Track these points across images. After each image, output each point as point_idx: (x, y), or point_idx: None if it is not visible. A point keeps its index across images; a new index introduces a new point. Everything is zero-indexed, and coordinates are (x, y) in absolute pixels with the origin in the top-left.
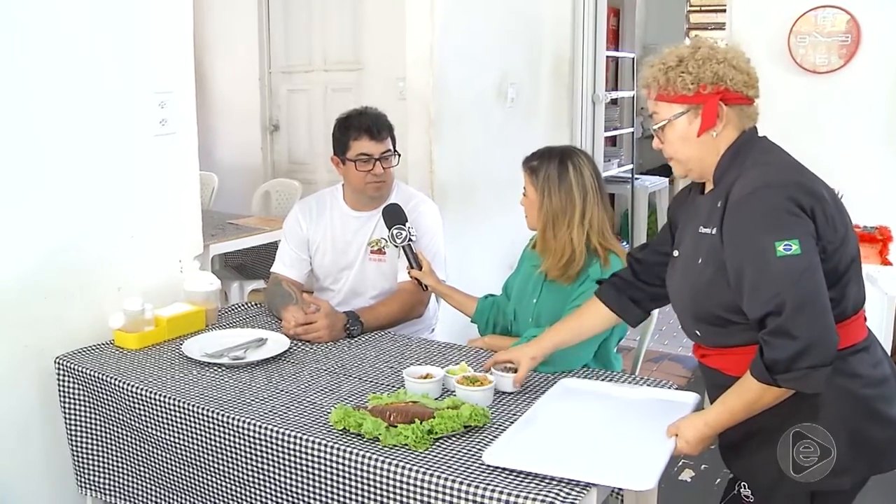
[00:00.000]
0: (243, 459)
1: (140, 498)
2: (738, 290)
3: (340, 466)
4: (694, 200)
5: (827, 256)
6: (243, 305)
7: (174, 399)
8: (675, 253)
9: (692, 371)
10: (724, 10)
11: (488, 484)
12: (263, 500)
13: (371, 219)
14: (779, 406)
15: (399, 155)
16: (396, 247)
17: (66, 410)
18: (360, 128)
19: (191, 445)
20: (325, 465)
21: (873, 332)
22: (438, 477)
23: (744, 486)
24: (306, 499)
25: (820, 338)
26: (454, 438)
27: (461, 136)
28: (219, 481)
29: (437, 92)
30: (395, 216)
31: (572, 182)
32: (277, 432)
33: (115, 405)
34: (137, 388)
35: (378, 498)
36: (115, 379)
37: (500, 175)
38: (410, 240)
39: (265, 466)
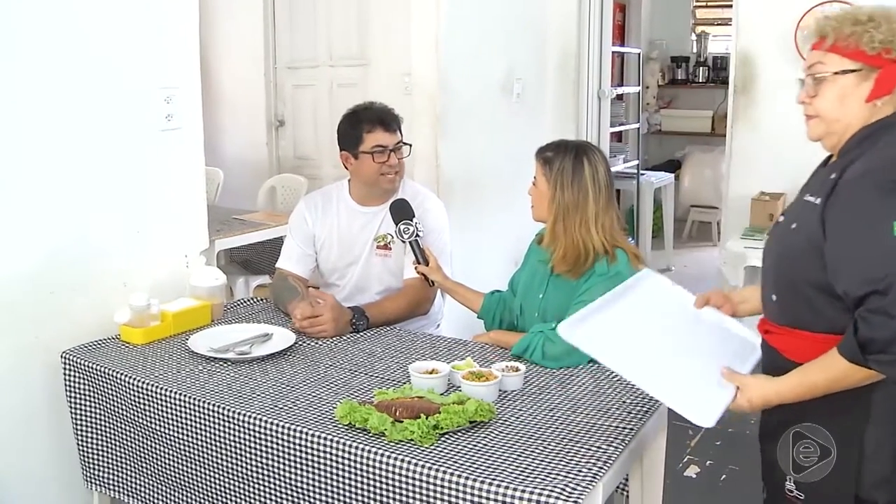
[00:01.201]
0: (248, 454)
1: (146, 493)
2: (836, 264)
3: (346, 461)
4: (815, 172)
5: None
6: (249, 300)
7: (180, 394)
8: (781, 218)
9: None
10: (731, 6)
11: (494, 479)
12: (268, 494)
13: (377, 214)
14: (830, 403)
15: (410, 146)
16: (404, 242)
17: (73, 405)
18: (373, 120)
19: (196, 440)
20: (331, 460)
21: None
22: (444, 472)
23: (789, 479)
24: (312, 494)
25: None
26: (460, 433)
27: (467, 132)
28: (224, 476)
29: (443, 87)
30: (402, 211)
31: (587, 178)
32: (283, 427)
33: (120, 400)
34: (143, 382)
35: (384, 493)
36: (121, 374)
37: (505, 170)
38: (418, 235)
39: (270, 461)
